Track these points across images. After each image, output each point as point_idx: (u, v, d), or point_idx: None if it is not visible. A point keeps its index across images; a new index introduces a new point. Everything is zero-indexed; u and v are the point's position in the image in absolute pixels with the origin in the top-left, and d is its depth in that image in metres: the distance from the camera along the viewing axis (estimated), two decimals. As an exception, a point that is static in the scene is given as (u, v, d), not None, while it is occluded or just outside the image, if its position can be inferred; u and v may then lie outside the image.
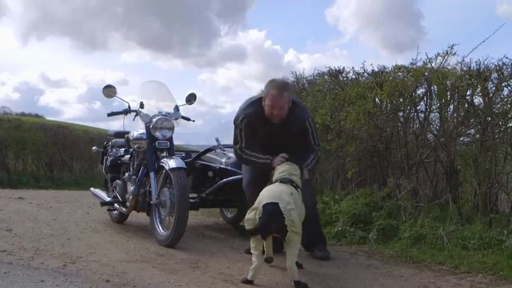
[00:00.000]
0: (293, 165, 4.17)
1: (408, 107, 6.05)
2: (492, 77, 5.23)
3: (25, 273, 3.63)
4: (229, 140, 5.19)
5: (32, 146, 13.04)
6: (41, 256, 4.20)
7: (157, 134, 5.34)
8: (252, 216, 3.65)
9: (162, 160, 5.14)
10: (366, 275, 4.06)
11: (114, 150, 6.51)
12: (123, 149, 6.25)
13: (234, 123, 4.57)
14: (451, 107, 5.78)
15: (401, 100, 6.01)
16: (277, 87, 4.37)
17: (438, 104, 5.85)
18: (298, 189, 3.98)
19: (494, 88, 5.27)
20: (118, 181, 6.04)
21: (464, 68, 5.48)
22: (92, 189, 6.93)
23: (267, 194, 3.72)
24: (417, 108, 5.99)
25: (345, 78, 7.11)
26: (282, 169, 4.12)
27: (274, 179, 4.08)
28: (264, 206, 3.58)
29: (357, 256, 4.74)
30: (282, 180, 3.97)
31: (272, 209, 3.54)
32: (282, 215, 3.51)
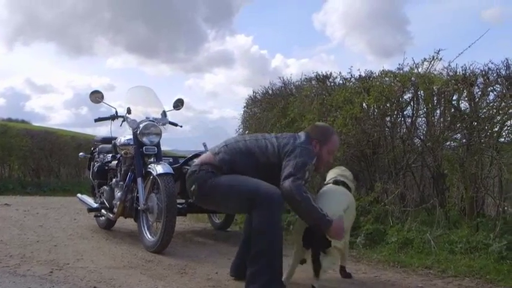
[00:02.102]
0: (343, 167, 4.20)
1: (395, 112, 6.07)
2: (478, 82, 5.27)
3: (11, 281, 3.61)
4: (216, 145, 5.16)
5: (19, 152, 12.97)
6: (28, 263, 4.18)
7: (145, 139, 5.33)
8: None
9: (149, 166, 5.13)
10: (353, 280, 4.07)
11: (101, 156, 6.50)
12: (110, 155, 6.25)
13: (307, 165, 3.59)
14: (438, 111, 5.82)
15: (388, 105, 6.03)
16: (334, 132, 4.05)
17: (425, 109, 5.88)
18: (351, 191, 4.00)
19: (480, 93, 5.30)
20: (105, 187, 6.03)
21: (450, 73, 5.51)
22: (79, 195, 6.91)
23: (324, 206, 3.52)
24: (404, 113, 6.02)
25: (332, 84, 7.12)
26: (333, 172, 4.16)
27: (326, 181, 4.08)
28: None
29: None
30: (335, 182, 3.97)
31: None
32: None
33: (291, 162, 3.54)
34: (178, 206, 5.14)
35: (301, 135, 3.82)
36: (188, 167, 5.99)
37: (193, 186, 3.78)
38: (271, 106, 8.09)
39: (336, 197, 3.83)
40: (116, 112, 5.67)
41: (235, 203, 3.68)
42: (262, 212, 3.44)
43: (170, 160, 6.28)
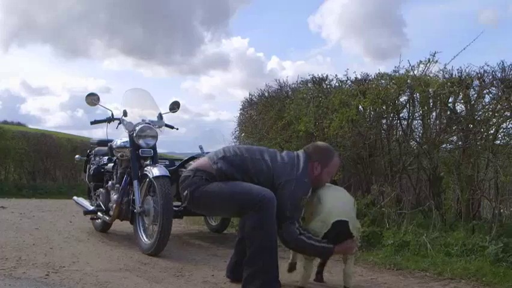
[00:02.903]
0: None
1: (391, 115, 6.08)
2: (474, 85, 5.29)
3: (7, 284, 3.59)
4: (212, 147, 5.16)
5: (15, 155, 12.95)
6: (24, 266, 4.16)
7: (141, 142, 5.33)
8: (318, 229, 3.57)
9: (146, 168, 5.13)
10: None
11: (97, 158, 6.48)
12: (106, 158, 6.24)
13: (300, 198, 3.61)
14: (434, 114, 5.83)
15: (384, 108, 6.04)
16: (335, 153, 4.01)
17: (421, 112, 5.90)
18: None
19: (475, 95, 5.32)
20: (101, 190, 6.01)
21: (446, 76, 5.53)
22: (75, 198, 6.89)
23: (335, 206, 3.63)
24: (400, 115, 6.03)
25: (328, 86, 7.13)
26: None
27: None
28: (333, 224, 3.53)
29: (341, 263, 4.72)
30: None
31: (341, 229, 3.54)
32: (351, 236, 3.57)
33: (286, 199, 3.52)
34: (174, 208, 5.13)
35: (301, 159, 3.73)
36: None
37: (186, 192, 3.74)
38: (267, 109, 8.09)
39: (344, 196, 3.88)
40: (113, 114, 5.67)
41: (228, 206, 3.69)
42: (255, 214, 3.45)
43: (167, 163, 6.28)
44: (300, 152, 3.84)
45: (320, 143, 4.10)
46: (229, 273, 3.96)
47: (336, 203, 3.70)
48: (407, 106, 5.97)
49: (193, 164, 4.00)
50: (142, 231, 5.12)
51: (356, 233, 3.66)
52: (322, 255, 3.73)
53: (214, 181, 3.67)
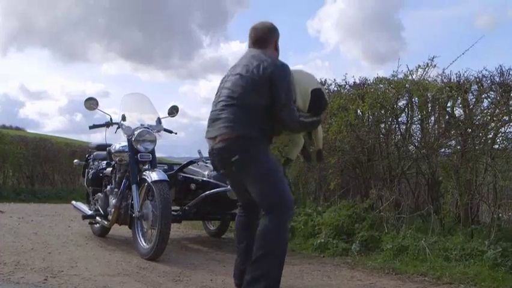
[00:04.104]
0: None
1: (390, 119, 6.08)
2: (472, 89, 5.29)
3: (5, 288, 3.59)
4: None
5: (13, 159, 12.92)
6: (22, 270, 4.15)
7: (139, 146, 5.33)
8: (302, 106, 3.74)
9: (144, 173, 5.12)
10: (349, 287, 4.07)
11: (96, 163, 6.49)
12: (105, 162, 6.24)
13: (287, 75, 3.65)
14: (432, 118, 5.84)
15: (382, 112, 6.04)
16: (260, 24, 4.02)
17: (419, 116, 5.90)
18: None
19: (474, 100, 5.33)
20: (99, 194, 6.01)
21: (445, 80, 5.54)
22: (73, 202, 6.89)
23: (305, 79, 3.87)
24: (399, 120, 6.03)
25: (327, 90, 7.13)
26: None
27: None
28: (312, 92, 3.77)
29: (340, 268, 4.74)
30: None
31: (319, 95, 3.83)
32: (326, 102, 4.03)
33: (279, 89, 3.54)
34: (172, 213, 5.13)
35: (263, 52, 3.75)
36: (183, 174, 6.01)
37: (236, 157, 3.53)
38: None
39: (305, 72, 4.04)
40: (111, 119, 5.67)
41: (264, 193, 3.57)
42: (275, 218, 3.44)
43: (165, 167, 6.28)
44: (255, 51, 3.79)
45: (255, 26, 3.94)
46: (239, 280, 3.74)
47: (304, 77, 3.88)
48: (406, 110, 5.97)
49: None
50: (140, 235, 5.11)
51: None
52: (315, 127, 3.96)
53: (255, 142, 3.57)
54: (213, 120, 3.68)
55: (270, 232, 3.44)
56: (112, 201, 5.51)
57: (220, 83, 3.85)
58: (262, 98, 3.56)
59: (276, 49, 3.92)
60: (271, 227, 3.44)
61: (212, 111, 3.73)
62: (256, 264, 3.43)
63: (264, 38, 3.85)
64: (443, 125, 5.62)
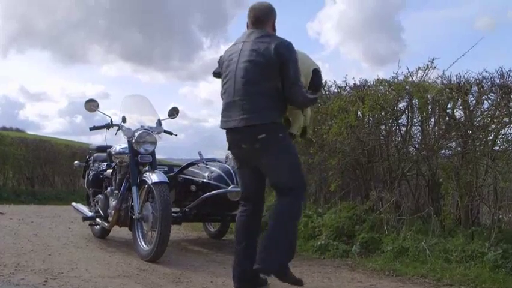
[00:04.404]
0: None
1: (390, 121, 6.08)
2: (472, 91, 5.28)
3: (5, 290, 3.59)
4: (211, 153, 5.18)
5: (13, 161, 12.93)
6: (22, 272, 4.15)
7: (140, 148, 5.32)
8: (305, 83, 3.99)
9: (144, 174, 5.12)
10: (349, 289, 4.07)
11: (96, 164, 6.48)
12: (105, 164, 6.23)
13: (295, 53, 3.82)
14: (432, 120, 5.84)
15: (382, 114, 6.04)
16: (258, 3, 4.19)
17: (419, 118, 5.90)
18: None
19: (474, 101, 5.32)
20: (100, 196, 6.01)
21: (445, 82, 5.53)
22: (74, 204, 6.88)
23: (306, 58, 4.17)
24: (399, 121, 6.02)
25: (327, 92, 7.14)
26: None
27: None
28: (313, 71, 4.12)
29: (340, 269, 4.74)
30: None
31: (318, 75, 4.17)
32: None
33: (290, 67, 3.71)
34: (173, 214, 5.13)
35: (267, 33, 3.88)
36: (183, 176, 6.01)
37: (263, 135, 3.68)
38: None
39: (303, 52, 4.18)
40: (112, 121, 5.67)
41: (285, 174, 3.76)
42: (298, 197, 3.75)
43: (166, 169, 6.28)
44: (257, 32, 3.89)
45: (254, 6, 4.04)
46: (239, 283, 3.80)
47: (305, 56, 4.15)
48: (406, 112, 5.97)
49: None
50: (140, 237, 5.11)
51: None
52: (316, 103, 4.75)
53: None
54: (233, 109, 3.77)
55: (290, 212, 3.69)
56: (112, 202, 5.51)
57: (224, 65, 3.95)
58: (277, 80, 3.73)
59: (274, 29, 4.03)
60: (291, 207, 3.70)
61: (229, 100, 3.81)
62: (275, 241, 3.63)
63: (263, 18, 3.96)
64: (444, 127, 5.61)
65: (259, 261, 3.61)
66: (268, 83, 3.74)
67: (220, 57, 4.15)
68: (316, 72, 4.15)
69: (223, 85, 3.92)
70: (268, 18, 3.99)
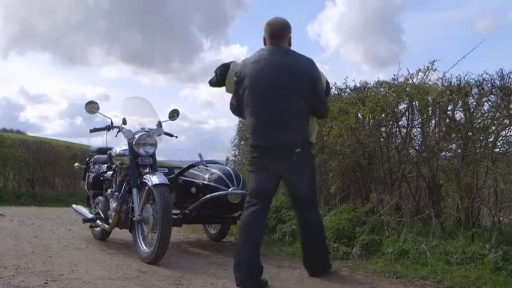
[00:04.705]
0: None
1: (391, 123, 6.08)
2: (473, 92, 5.28)
3: (5, 292, 3.59)
4: (212, 155, 5.20)
5: (14, 163, 12.94)
6: (22, 274, 4.16)
7: (140, 150, 5.33)
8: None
9: (145, 176, 5.12)
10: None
11: (96, 166, 6.49)
12: (105, 165, 6.23)
13: (318, 71, 4.37)
14: (433, 122, 5.83)
15: (383, 115, 6.04)
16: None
17: (420, 119, 5.89)
18: None
19: (475, 103, 5.32)
20: (100, 198, 6.01)
21: (445, 84, 5.53)
22: (74, 206, 6.89)
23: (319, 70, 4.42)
24: (399, 123, 6.02)
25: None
26: None
27: None
28: (326, 82, 4.59)
29: (340, 272, 4.73)
30: None
31: (329, 85, 4.85)
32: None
33: (318, 85, 4.24)
34: (173, 216, 5.13)
35: (288, 48, 4.28)
36: (183, 178, 6.01)
37: (299, 149, 4.07)
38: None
39: None
40: (112, 122, 5.67)
41: (311, 187, 4.37)
42: (318, 208, 4.62)
43: (166, 171, 6.29)
44: (279, 49, 4.20)
45: (271, 22, 4.30)
46: (245, 283, 3.92)
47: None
48: (406, 114, 5.96)
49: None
50: (141, 239, 5.11)
51: None
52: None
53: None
54: (268, 126, 4.07)
55: (321, 222, 4.53)
56: (113, 204, 5.52)
57: (248, 81, 4.13)
58: (308, 98, 4.13)
59: (290, 44, 4.30)
60: (320, 217, 4.56)
61: (263, 118, 4.09)
62: (325, 249, 4.57)
63: (281, 33, 4.23)
64: (444, 129, 5.61)
65: (315, 266, 4.49)
66: (301, 101, 4.07)
67: (225, 65, 4.63)
68: (328, 84, 4.62)
69: (251, 101, 4.12)
70: (286, 34, 4.25)
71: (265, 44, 4.28)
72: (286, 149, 4.03)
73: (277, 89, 4.01)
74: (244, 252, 3.97)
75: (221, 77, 4.74)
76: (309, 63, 4.17)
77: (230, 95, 4.42)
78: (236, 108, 4.36)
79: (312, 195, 4.33)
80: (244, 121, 8.46)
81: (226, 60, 4.81)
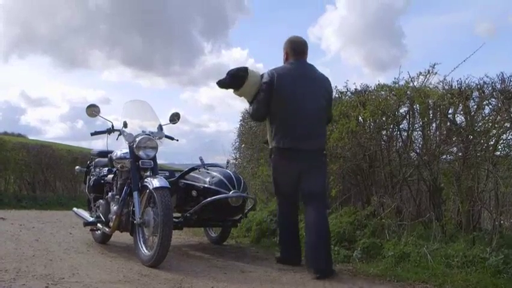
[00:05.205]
0: None
1: (391, 126, 6.08)
2: (473, 96, 5.28)
3: (6, 295, 3.58)
4: (212, 158, 5.25)
5: (15, 166, 12.93)
6: (23, 277, 4.15)
7: (141, 153, 5.33)
8: None
9: (146, 179, 5.12)
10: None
11: (97, 169, 6.48)
12: (106, 169, 6.23)
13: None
14: (434, 125, 5.84)
15: (384, 119, 6.04)
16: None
17: (420, 123, 5.90)
18: None
19: (475, 106, 5.32)
20: (101, 201, 6.01)
21: (446, 87, 5.54)
22: (75, 209, 6.89)
23: None
24: (400, 126, 6.02)
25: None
26: None
27: None
28: None
29: (341, 275, 4.73)
30: None
31: None
32: None
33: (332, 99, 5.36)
34: (174, 219, 5.13)
35: (307, 63, 5.04)
36: (184, 181, 6.01)
37: (324, 152, 5.04)
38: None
39: None
40: (113, 126, 5.67)
41: (323, 185, 5.01)
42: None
43: (167, 174, 6.29)
44: (309, 64, 5.04)
45: (293, 40, 5.13)
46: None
47: None
48: (407, 117, 5.97)
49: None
50: (141, 242, 5.10)
51: None
52: None
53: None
54: (301, 132, 4.79)
55: (326, 218, 4.91)
56: (114, 208, 5.51)
57: (285, 89, 4.81)
58: (327, 108, 5.06)
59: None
60: (326, 213, 4.95)
61: (297, 124, 4.81)
62: (327, 243, 4.83)
63: (304, 49, 5.04)
64: (445, 132, 5.61)
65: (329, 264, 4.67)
66: (326, 113, 5.03)
67: (242, 69, 4.96)
68: None
69: (283, 106, 4.82)
70: (307, 50, 5.05)
71: (286, 59, 5.03)
72: (314, 153, 4.83)
73: (314, 101, 4.79)
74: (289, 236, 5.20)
75: (237, 80, 4.98)
76: (327, 78, 5.09)
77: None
78: (262, 113, 4.98)
79: (321, 190, 4.89)
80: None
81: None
